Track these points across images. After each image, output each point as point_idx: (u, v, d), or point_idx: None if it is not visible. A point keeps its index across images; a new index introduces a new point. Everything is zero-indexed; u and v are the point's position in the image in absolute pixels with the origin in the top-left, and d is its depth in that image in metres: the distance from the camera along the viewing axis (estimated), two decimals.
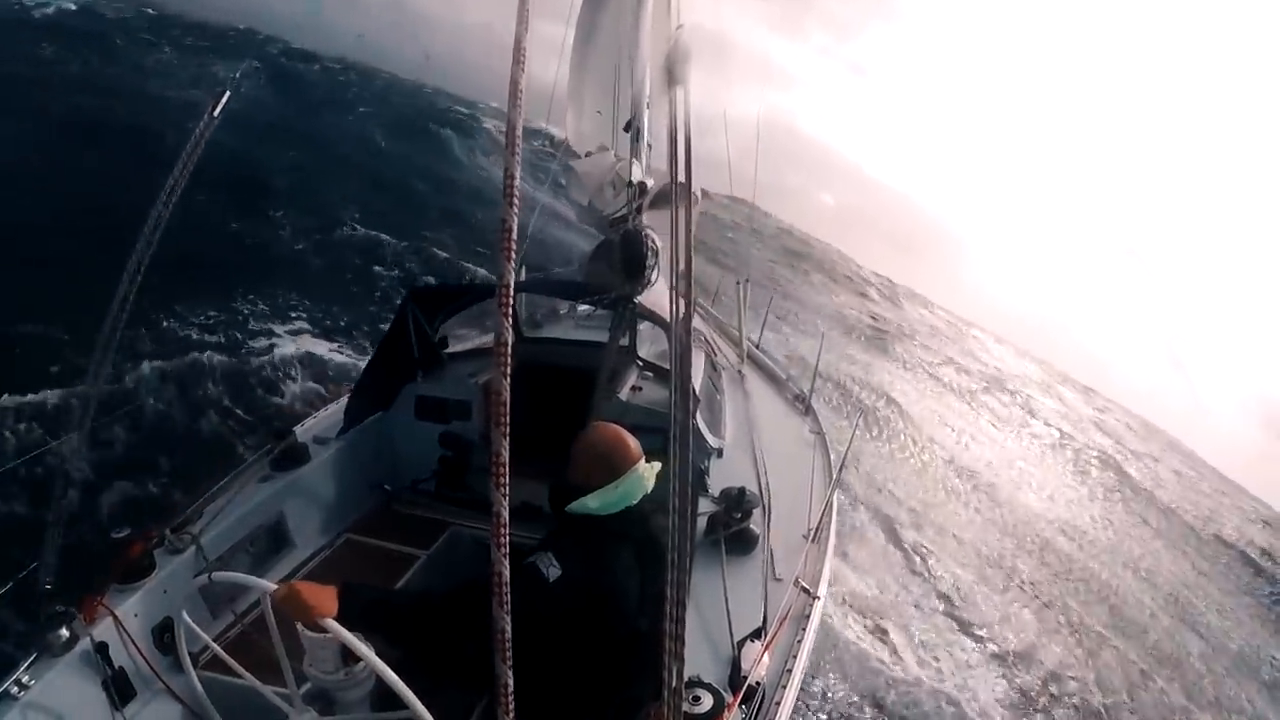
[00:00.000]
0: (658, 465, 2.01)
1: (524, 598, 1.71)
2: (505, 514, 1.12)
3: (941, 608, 7.57)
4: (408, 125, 19.24)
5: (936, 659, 6.55)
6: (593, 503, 1.90)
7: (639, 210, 3.76)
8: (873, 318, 21.17)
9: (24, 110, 11.33)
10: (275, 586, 1.84)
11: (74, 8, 18.93)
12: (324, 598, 1.75)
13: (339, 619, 1.73)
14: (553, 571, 1.77)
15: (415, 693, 1.62)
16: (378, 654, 1.72)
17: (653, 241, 3.45)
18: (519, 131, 1.12)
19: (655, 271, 3.60)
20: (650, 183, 3.90)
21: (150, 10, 21.35)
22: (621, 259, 3.35)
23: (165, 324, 8.42)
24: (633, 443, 2.00)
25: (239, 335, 8.63)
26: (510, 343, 1.11)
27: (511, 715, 1.16)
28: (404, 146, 17.46)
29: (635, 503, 1.93)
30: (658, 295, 3.69)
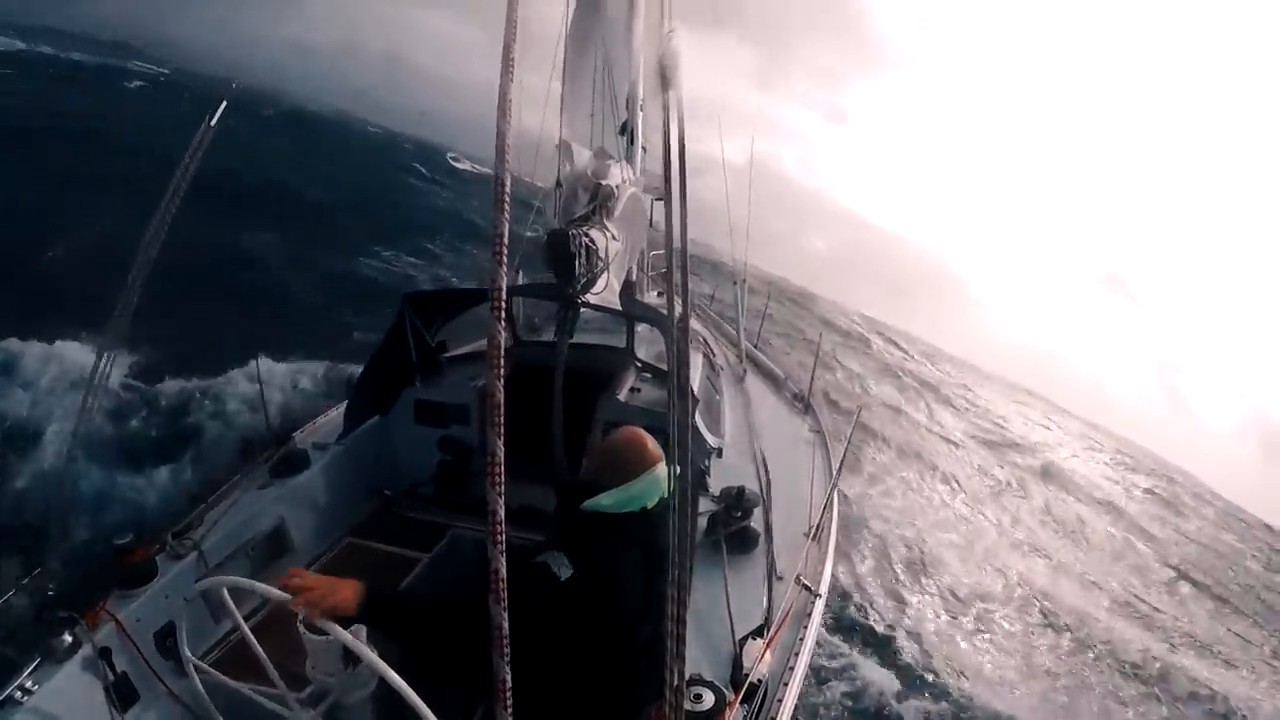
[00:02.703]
0: (673, 468, 2.00)
1: (535, 596, 1.71)
2: (501, 514, 1.13)
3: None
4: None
5: None
6: (605, 500, 1.90)
7: (601, 213, 3.74)
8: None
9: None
10: (289, 596, 1.77)
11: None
12: (343, 590, 1.72)
13: (363, 619, 1.71)
14: (564, 571, 1.76)
15: (417, 693, 1.63)
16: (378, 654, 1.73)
17: (591, 241, 3.43)
18: (508, 140, 1.13)
19: (604, 272, 3.58)
20: (616, 186, 3.89)
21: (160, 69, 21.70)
22: (549, 260, 3.34)
23: (167, 330, 8.46)
24: (652, 445, 1.99)
25: (239, 336, 8.66)
26: (505, 346, 1.13)
27: (510, 713, 1.17)
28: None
29: (651, 505, 1.92)
30: (611, 294, 3.68)
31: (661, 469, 1.96)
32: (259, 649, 1.88)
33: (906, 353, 24.45)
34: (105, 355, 2.39)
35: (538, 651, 1.60)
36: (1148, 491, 19.13)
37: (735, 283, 6.34)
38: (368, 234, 13.31)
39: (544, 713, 1.54)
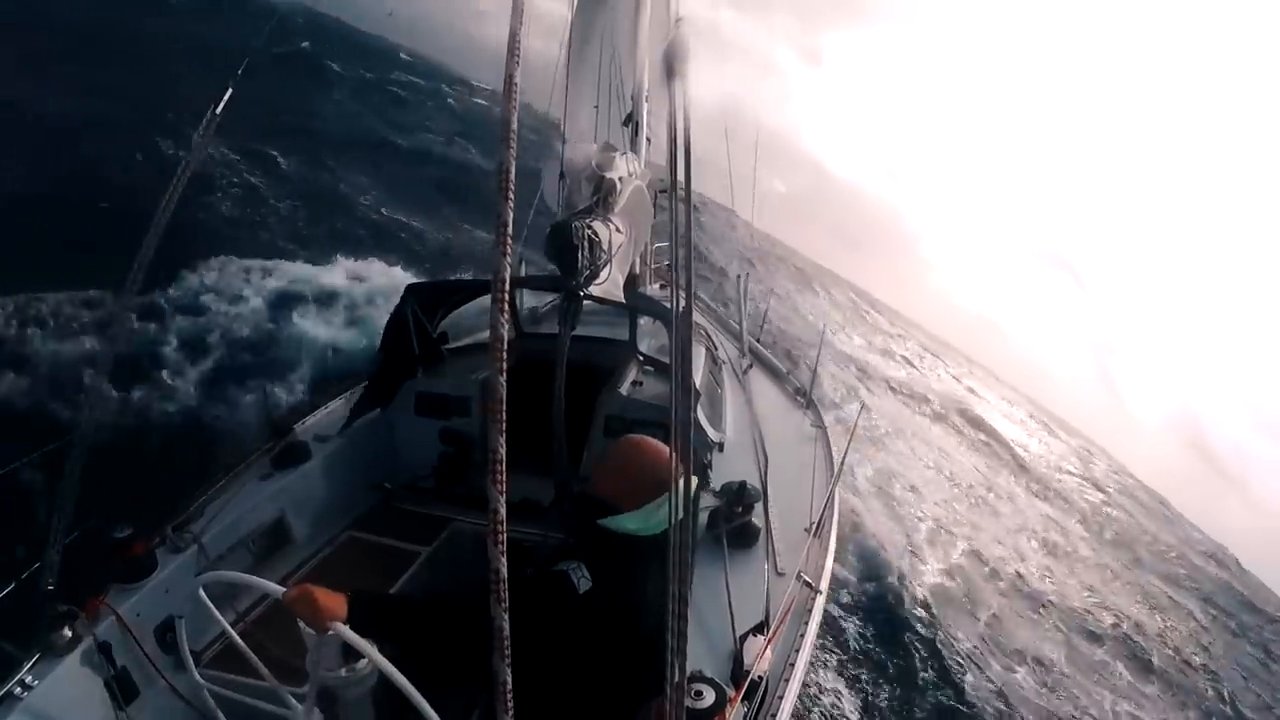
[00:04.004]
0: (695, 481, 1.90)
1: (552, 605, 1.69)
2: (503, 511, 1.11)
3: None
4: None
5: None
6: (630, 524, 1.80)
7: (604, 206, 3.73)
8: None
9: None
10: (284, 590, 1.80)
11: None
12: (334, 602, 1.72)
13: (349, 624, 1.70)
14: (584, 584, 1.71)
15: (418, 689, 1.62)
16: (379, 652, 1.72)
17: (594, 233, 3.41)
18: (514, 126, 1.11)
19: (607, 264, 3.56)
20: (620, 179, 3.88)
21: None
22: (552, 252, 3.32)
23: (167, 321, 8.45)
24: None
25: (238, 335, 8.67)
26: (507, 339, 1.10)
27: (510, 714, 1.16)
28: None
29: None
30: (614, 286, 3.68)
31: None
32: (246, 649, 1.89)
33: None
34: (112, 334, 2.37)
35: (545, 660, 1.56)
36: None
37: (738, 276, 6.32)
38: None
39: (543, 712, 1.53)
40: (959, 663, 7.07)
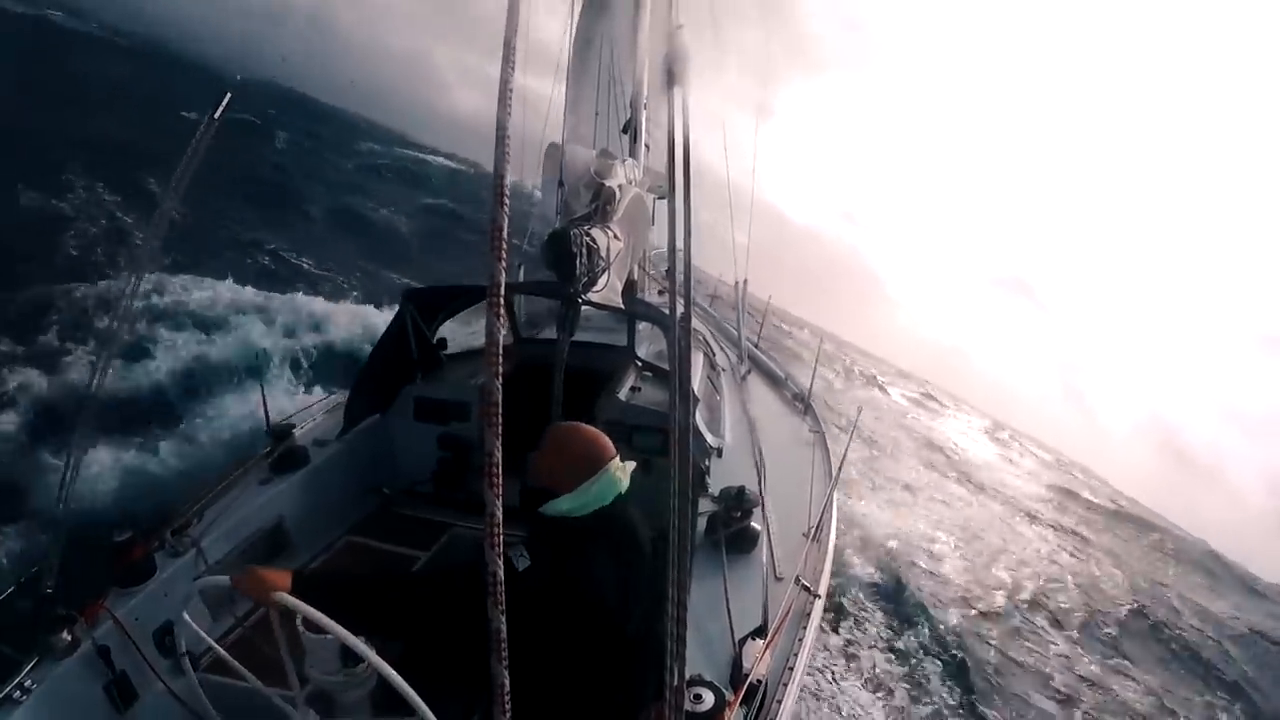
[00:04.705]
0: (631, 464, 2.00)
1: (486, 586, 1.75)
2: (499, 515, 1.12)
3: None
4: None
5: None
6: (564, 505, 1.89)
7: (601, 214, 3.74)
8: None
9: None
10: (228, 578, 1.86)
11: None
12: (278, 576, 1.80)
13: (295, 594, 1.76)
14: (522, 563, 1.78)
15: (416, 692, 1.62)
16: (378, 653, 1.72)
17: (592, 240, 3.42)
18: (508, 132, 1.12)
19: (605, 271, 3.58)
20: (619, 186, 3.88)
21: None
22: (549, 258, 3.35)
23: (165, 325, 8.48)
24: (604, 442, 1.97)
25: (238, 335, 8.71)
26: (504, 344, 1.11)
27: (508, 714, 1.16)
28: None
29: (609, 503, 1.91)
30: (613, 293, 3.70)
31: (616, 466, 1.95)
32: (234, 661, 1.92)
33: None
34: (110, 338, 2.38)
35: (528, 650, 1.60)
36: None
37: (737, 282, 6.33)
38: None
39: (541, 712, 1.53)
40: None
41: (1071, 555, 12.06)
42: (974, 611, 8.33)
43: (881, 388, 23.45)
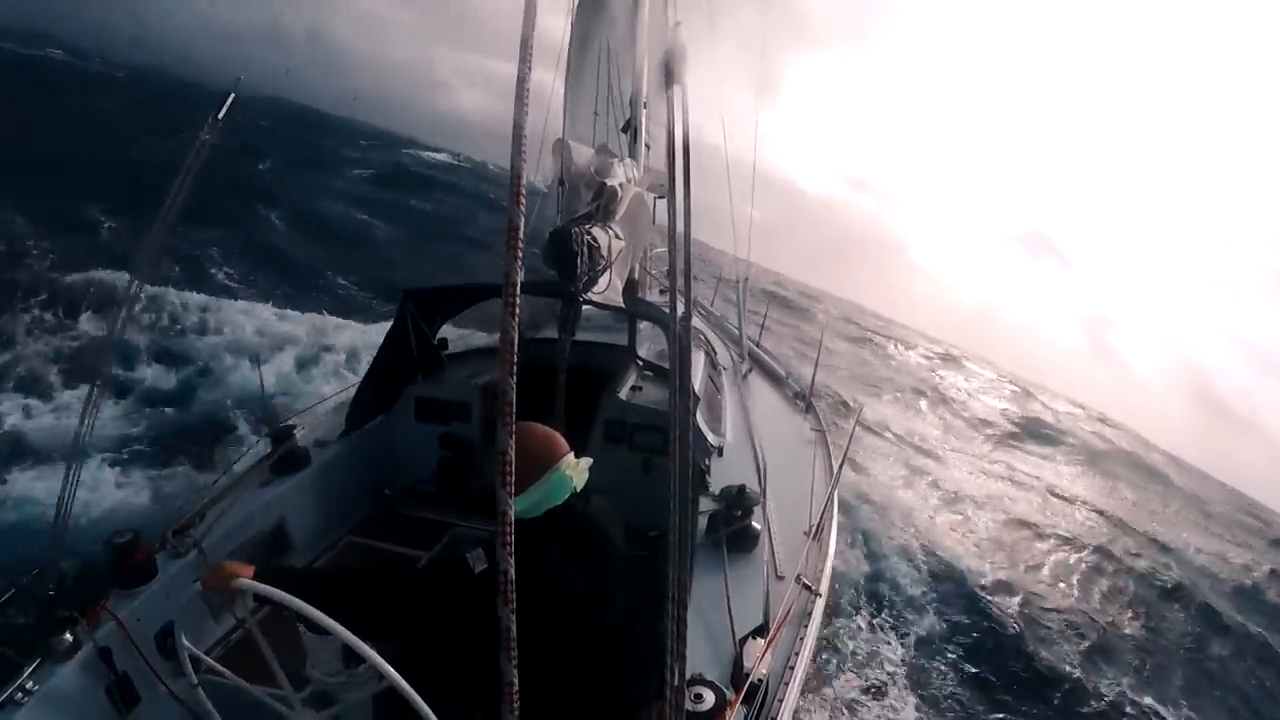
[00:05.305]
0: (587, 461, 1.99)
1: (450, 589, 1.79)
2: (511, 514, 1.11)
3: None
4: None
5: None
6: (516, 506, 1.88)
7: (603, 213, 3.73)
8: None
9: None
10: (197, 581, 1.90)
11: None
12: (241, 567, 1.84)
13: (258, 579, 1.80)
14: (479, 565, 1.78)
15: (419, 694, 1.62)
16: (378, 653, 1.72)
17: (593, 239, 3.42)
18: (524, 133, 1.11)
19: (606, 270, 3.58)
20: (620, 185, 3.88)
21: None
22: (551, 257, 3.35)
23: (167, 325, 8.51)
24: (556, 442, 1.96)
25: (237, 336, 8.73)
26: (516, 342, 1.10)
27: (516, 715, 1.16)
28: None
29: (560, 504, 1.90)
30: (614, 292, 3.69)
31: (567, 463, 1.93)
32: (266, 646, 1.87)
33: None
34: (111, 340, 2.38)
35: (457, 634, 1.72)
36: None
37: (738, 281, 6.32)
38: None
39: (539, 711, 1.53)
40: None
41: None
42: None
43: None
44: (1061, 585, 8.80)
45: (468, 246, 15.58)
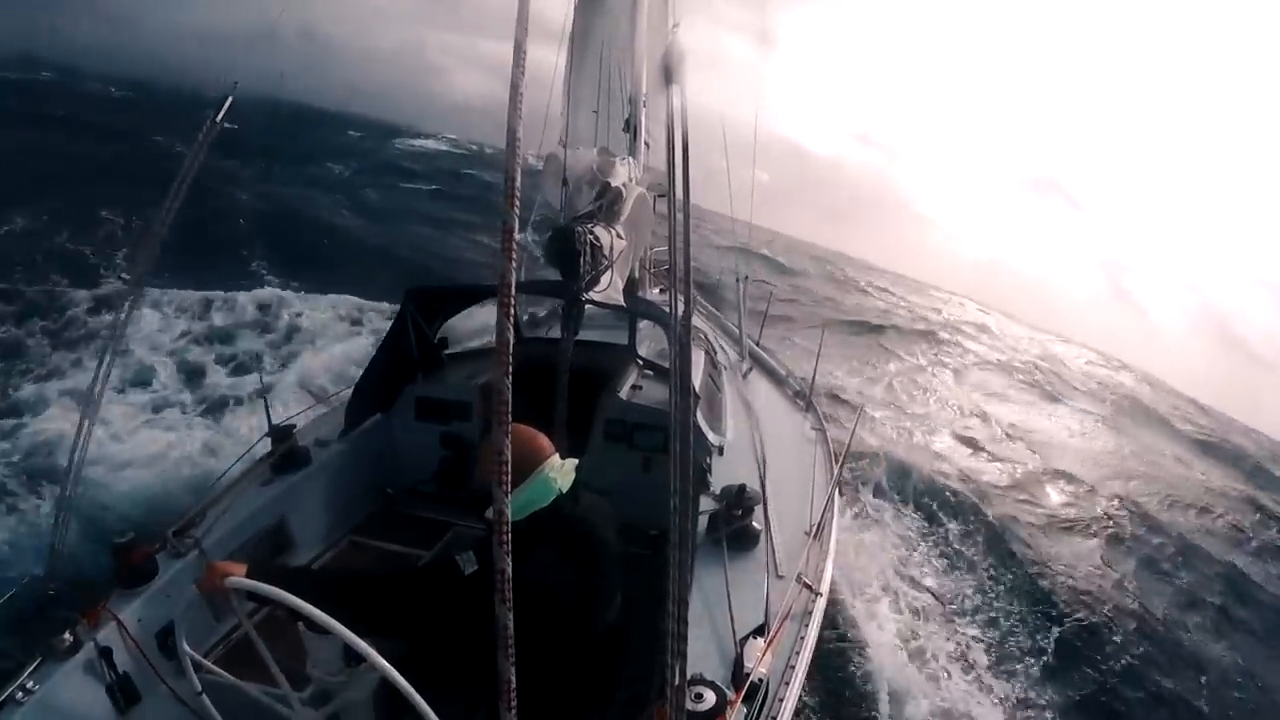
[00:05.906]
0: (573, 462, 1.98)
1: (440, 591, 1.80)
2: (508, 513, 1.11)
3: None
4: None
5: None
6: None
7: (607, 213, 3.73)
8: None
9: None
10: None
11: None
12: (233, 566, 1.84)
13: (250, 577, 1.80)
14: (469, 567, 1.78)
15: (420, 693, 1.62)
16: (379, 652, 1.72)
17: (595, 239, 3.41)
18: (519, 134, 1.11)
19: (608, 269, 3.57)
20: (623, 185, 3.88)
21: None
22: (554, 256, 3.33)
23: (166, 325, 8.50)
24: (540, 444, 1.95)
25: (235, 335, 8.73)
26: (512, 342, 1.10)
27: (514, 713, 1.16)
28: None
29: (546, 505, 1.89)
30: (615, 291, 3.69)
31: (552, 465, 1.93)
32: (263, 646, 1.87)
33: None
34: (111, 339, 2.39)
35: (448, 635, 1.72)
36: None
37: (738, 279, 6.32)
38: None
39: (539, 711, 1.53)
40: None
41: None
42: None
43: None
44: None
45: (462, 239, 15.58)
